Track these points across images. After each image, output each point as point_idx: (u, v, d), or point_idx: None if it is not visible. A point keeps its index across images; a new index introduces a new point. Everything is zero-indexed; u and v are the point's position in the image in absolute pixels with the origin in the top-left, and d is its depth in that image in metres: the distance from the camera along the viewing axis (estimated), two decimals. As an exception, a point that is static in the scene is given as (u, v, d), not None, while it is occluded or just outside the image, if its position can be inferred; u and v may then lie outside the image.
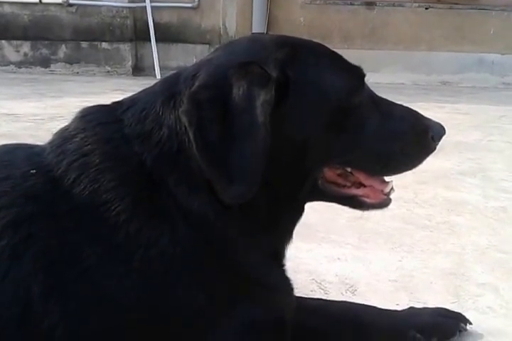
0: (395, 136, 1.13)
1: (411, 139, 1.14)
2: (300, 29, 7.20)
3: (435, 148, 1.17)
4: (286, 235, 1.14)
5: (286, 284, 1.12)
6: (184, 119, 0.94)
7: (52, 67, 7.51)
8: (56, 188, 0.94)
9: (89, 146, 0.99)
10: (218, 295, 0.97)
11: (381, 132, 1.11)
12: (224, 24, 7.52)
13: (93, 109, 1.10)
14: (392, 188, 1.19)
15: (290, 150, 1.02)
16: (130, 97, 1.11)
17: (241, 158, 0.92)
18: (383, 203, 1.18)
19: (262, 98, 0.93)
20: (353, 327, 1.27)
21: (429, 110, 4.80)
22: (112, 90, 5.66)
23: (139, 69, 7.58)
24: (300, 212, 1.15)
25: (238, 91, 0.93)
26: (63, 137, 1.04)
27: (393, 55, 7.35)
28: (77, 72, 7.44)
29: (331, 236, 1.94)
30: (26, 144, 1.11)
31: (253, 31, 7.35)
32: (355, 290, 1.56)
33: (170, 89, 1.04)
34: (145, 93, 1.09)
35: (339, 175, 1.15)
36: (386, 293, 1.54)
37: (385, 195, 1.18)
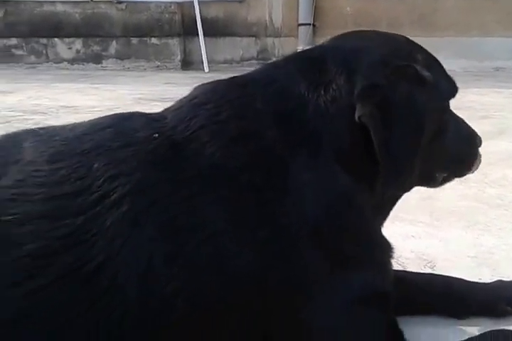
0: (464, 139, 1.22)
1: (472, 143, 1.24)
2: (347, 18, 7.13)
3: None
4: (387, 216, 1.22)
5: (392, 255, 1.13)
6: (367, 121, 0.97)
7: (104, 63, 7.65)
8: (181, 153, 0.93)
9: (221, 116, 0.98)
10: (344, 262, 0.97)
11: (456, 135, 1.19)
12: (270, 16, 7.53)
13: (217, 83, 1.10)
14: None
15: None
16: (260, 73, 1.11)
17: (410, 154, 1.00)
18: None
19: (424, 99, 1.01)
20: (444, 297, 1.27)
21: (486, 95, 4.68)
22: (163, 84, 5.74)
23: (188, 63, 7.65)
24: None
25: (403, 93, 1.00)
26: (190, 105, 1.03)
27: (443, 41, 7.19)
28: (128, 68, 7.55)
29: (402, 215, 1.91)
30: (139, 112, 1.08)
31: (299, 22, 7.33)
32: (434, 265, 1.54)
33: (316, 75, 1.05)
34: (280, 72, 1.08)
35: None
36: (467, 269, 1.51)
37: None
